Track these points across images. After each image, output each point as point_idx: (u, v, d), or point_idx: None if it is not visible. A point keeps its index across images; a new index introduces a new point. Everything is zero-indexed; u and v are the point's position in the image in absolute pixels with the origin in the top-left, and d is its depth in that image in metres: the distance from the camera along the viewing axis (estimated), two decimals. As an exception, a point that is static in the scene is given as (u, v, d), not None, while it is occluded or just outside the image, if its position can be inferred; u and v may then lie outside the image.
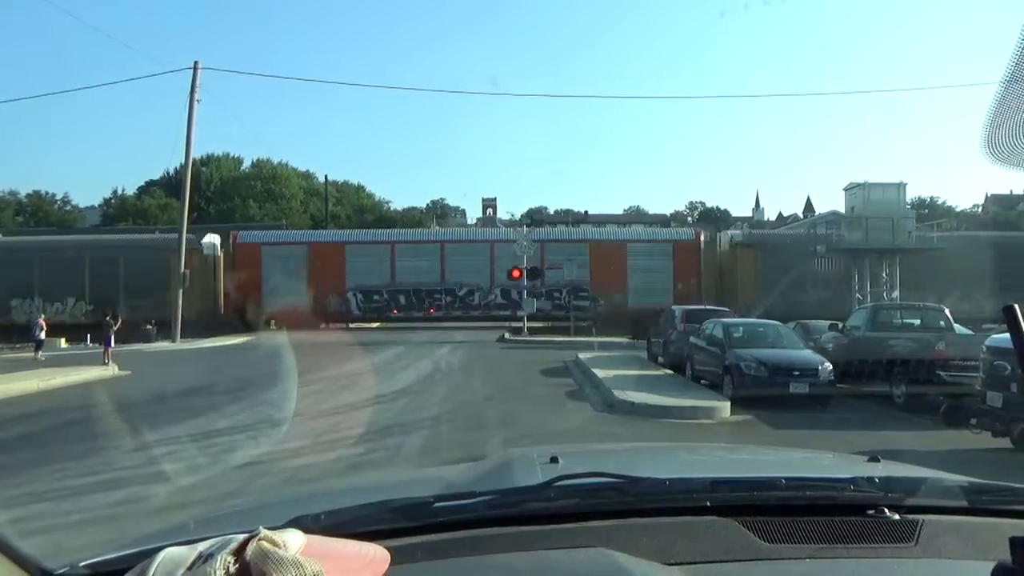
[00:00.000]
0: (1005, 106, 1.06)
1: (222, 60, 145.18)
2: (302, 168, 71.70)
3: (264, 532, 0.88)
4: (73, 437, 9.77)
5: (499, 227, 58.81)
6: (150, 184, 68.84)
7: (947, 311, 14.50)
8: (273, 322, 32.25)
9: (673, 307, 20.97)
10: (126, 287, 32.52)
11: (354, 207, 72.88)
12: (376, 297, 34.73)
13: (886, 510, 1.34)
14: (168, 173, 64.13)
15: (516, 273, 29.84)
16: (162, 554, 0.89)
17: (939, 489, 1.50)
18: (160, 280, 31.39)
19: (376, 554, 1.02)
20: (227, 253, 35.74)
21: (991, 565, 1.14)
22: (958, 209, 72.51)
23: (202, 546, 0.90)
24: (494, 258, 34.42)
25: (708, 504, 1.35)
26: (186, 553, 0.88)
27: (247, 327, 30.93)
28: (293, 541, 0.89)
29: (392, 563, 1.03)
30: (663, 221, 76.03)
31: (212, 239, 36.34)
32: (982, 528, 1.35)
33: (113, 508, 6.09)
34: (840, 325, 15.58)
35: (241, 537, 0.87)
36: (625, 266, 33.85)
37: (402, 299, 34.44)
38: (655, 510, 1.35)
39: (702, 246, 35.18)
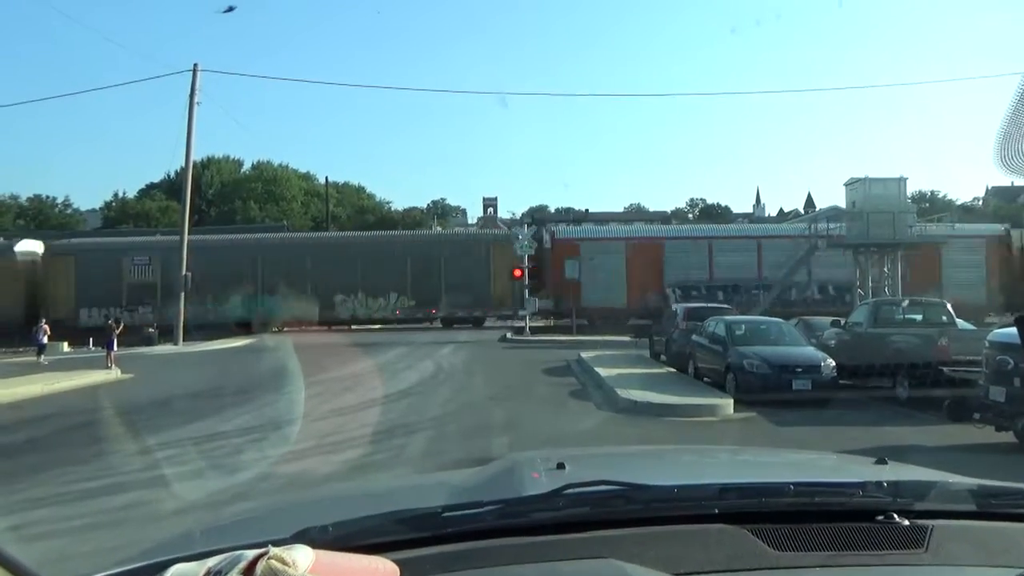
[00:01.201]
0: (1018, 118, 1.05)
1: (222, 62, 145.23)
2: (302, 170, 71.82)
3: (273, 550, 0.88)
4: (76, 442, 9.77)
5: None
6: (151, 187, 68.83)
7: (949, 306, 14.48)
8: (276, 326, 32.31)
9: (674, 305, 20.93)
10: (446, 282, 33.97)
11: (355, 208, 72.88)
12: (695, 292, 34.36)
13: (895, 516, 1.34)
14: (169, 176, 64.17)
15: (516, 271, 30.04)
16: (171, 571, 0.89)
17: (948, 493, 1.49)
18: (481, 274, 33.34)
19: (385, 568, 1.02)
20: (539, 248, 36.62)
21: (1002, 572, 1.13)
22: (959, 202, 72.40)
23: (211, 562, 0.89)
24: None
25: (717, 512, 1.34)
26: (195, 570, 0.88)
27: (250, 330, 31.03)
28: (302, 559, 0.89)
29: None
30: (664, 218, 75.97)
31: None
32: (993, 533, 1.34)
33: (117, 513, 6.10)
34: (842, 321, 15.57)
35: (251, 555, 0.87)
36: (939, 263, 33.02)
37: (720, 295, 33.85)
38: (664, 518, 1.34)
39: (1013, 242, 34.74)
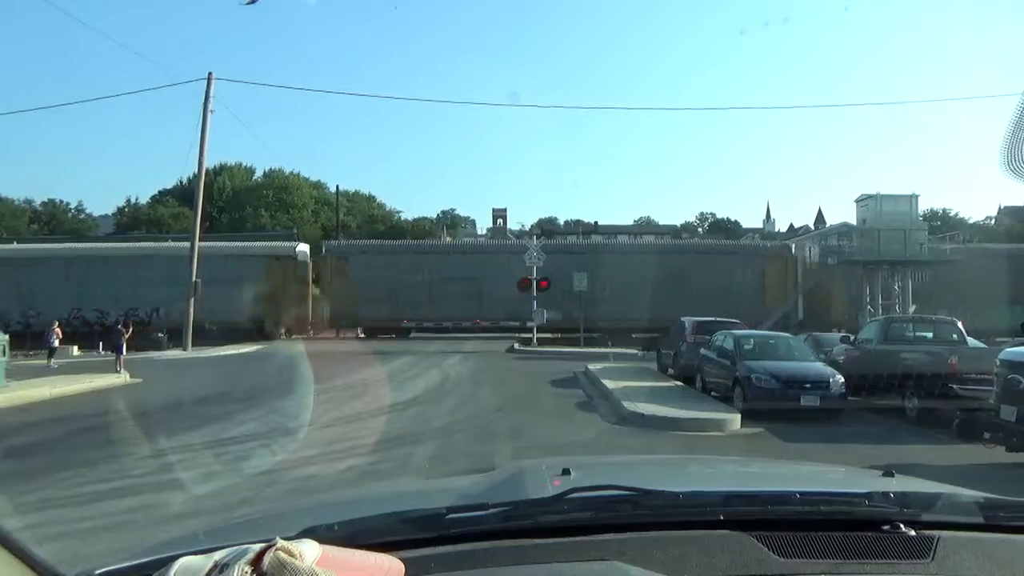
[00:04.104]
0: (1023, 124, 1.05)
1: (236, 71, 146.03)
2: (313, 178, 72.21)
3: (280, 542, 0.88)
4: (86, 444, 9.82)
5: (511, 238, 58.01)
6: (163, 193, 69.36)
7: (959, 323, 14.38)
8: (284, 331, 32.39)
9: (683, 318, 20.85)
10: None
11: (365, 217, 73.14)
12: None
13: (902, 526, 1.33)
14: (181, 182, 64.70)
15: (525, 282, 29.91)
16: (178, 563, 0.90)
17: (955, 505, 1.49)
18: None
19: (390, 565, 1.02)
20: None
21: None
22: (971, 221, 71.96)
23: (218, 555, 0.90)
24: None
25: (722, 518, 1.34)
26: (202, 563, 0.89)
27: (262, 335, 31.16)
28: (309, 552, 0.89)
29: (406, 574, 1.03)
30: (674, 232, 75.86)
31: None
32: (999, 545, 1.33)
33: (127, 515, 6.12)
34: (852, 337, 15.49)
35: (258, 547, 0.88)
36: None
37: None
38: (668, 524, 1.34)
39: None
